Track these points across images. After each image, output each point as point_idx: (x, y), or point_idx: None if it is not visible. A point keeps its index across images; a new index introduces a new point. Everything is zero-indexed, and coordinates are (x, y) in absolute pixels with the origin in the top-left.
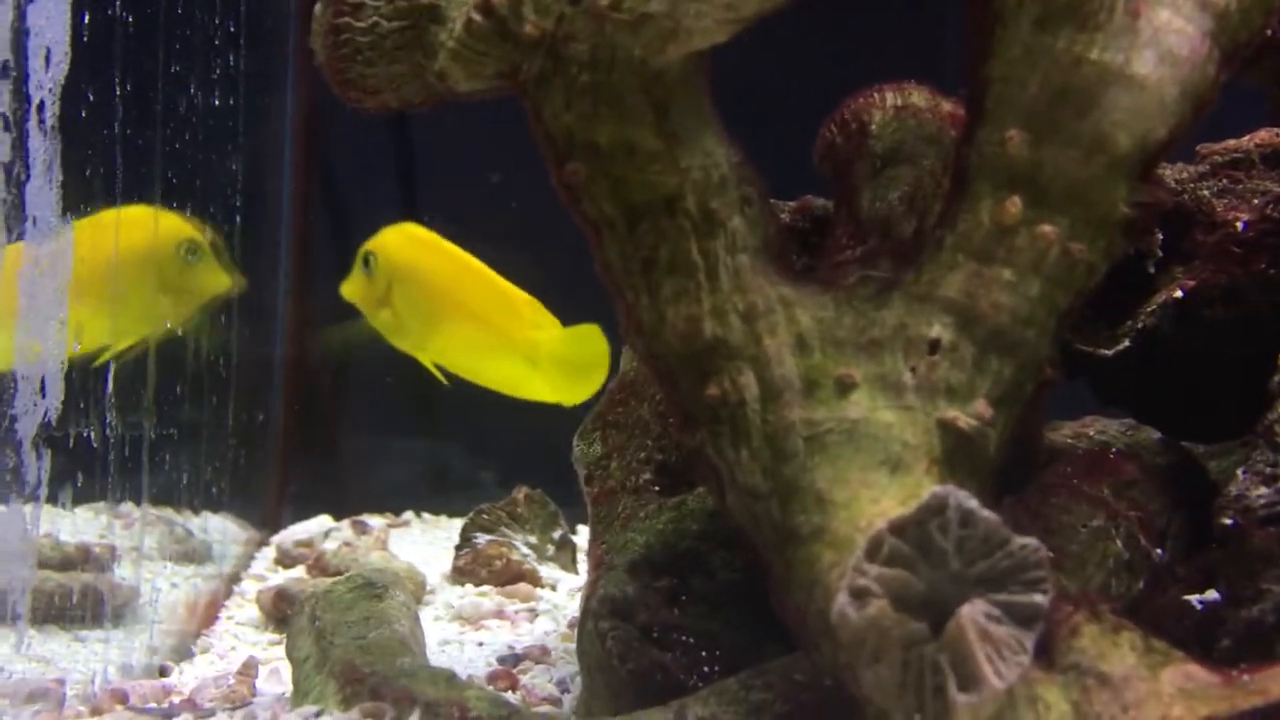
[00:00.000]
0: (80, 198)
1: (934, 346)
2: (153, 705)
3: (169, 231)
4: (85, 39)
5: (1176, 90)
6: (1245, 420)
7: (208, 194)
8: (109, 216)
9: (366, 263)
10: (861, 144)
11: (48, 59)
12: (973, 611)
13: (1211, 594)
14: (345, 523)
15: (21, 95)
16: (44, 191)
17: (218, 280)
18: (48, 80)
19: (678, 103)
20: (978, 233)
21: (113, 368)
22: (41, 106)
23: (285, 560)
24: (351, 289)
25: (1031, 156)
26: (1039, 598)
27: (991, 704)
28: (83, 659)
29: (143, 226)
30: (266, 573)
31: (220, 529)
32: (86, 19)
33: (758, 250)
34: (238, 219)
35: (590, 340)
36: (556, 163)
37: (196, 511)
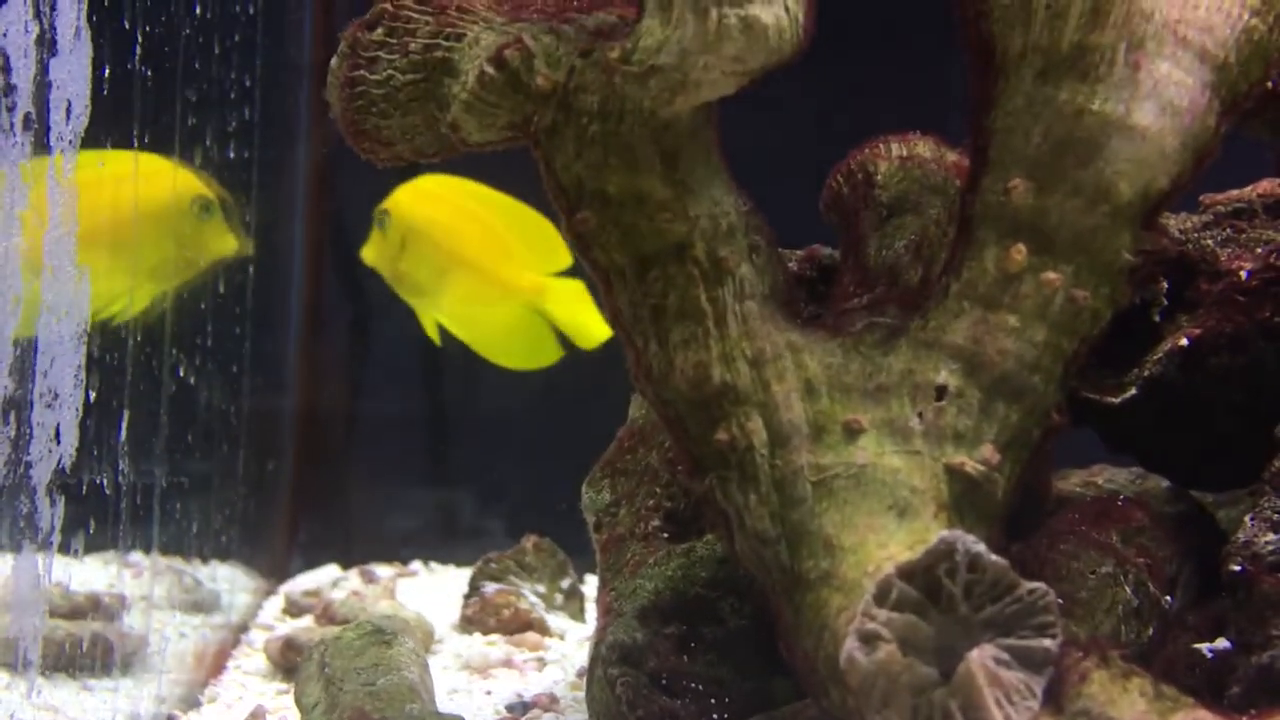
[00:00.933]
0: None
1: (941, 392)
2: None
3: (184, 186)
4: (105, 91)
5: (1177, 141)
6: (1253, 468)
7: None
8: (126, 165)
9: (381, 222)
10: (868, 194)
11: (69, 111)
12: (981, 656)
13: (1222, 642)
14: (353, 572)
15: (43, 146)
16: (64, 241)
17: (225, 242)
18: (68, 132)
19: (686, 152)
20: (983, 280)
21: (126, 415)
22: (63, 158)
23: (293, 609)
24: (370, 251)
25: (1035, 205)
26: (1048, 642)
27: None
28: (91, 708)
29: (160, 179)
30: (274, 622)
31: (229, 578)
32: (106, 72)
33: (766, 297)
34: (250, 269)
35: (583, 299)
36: (567, 212)
37: (205, 560)
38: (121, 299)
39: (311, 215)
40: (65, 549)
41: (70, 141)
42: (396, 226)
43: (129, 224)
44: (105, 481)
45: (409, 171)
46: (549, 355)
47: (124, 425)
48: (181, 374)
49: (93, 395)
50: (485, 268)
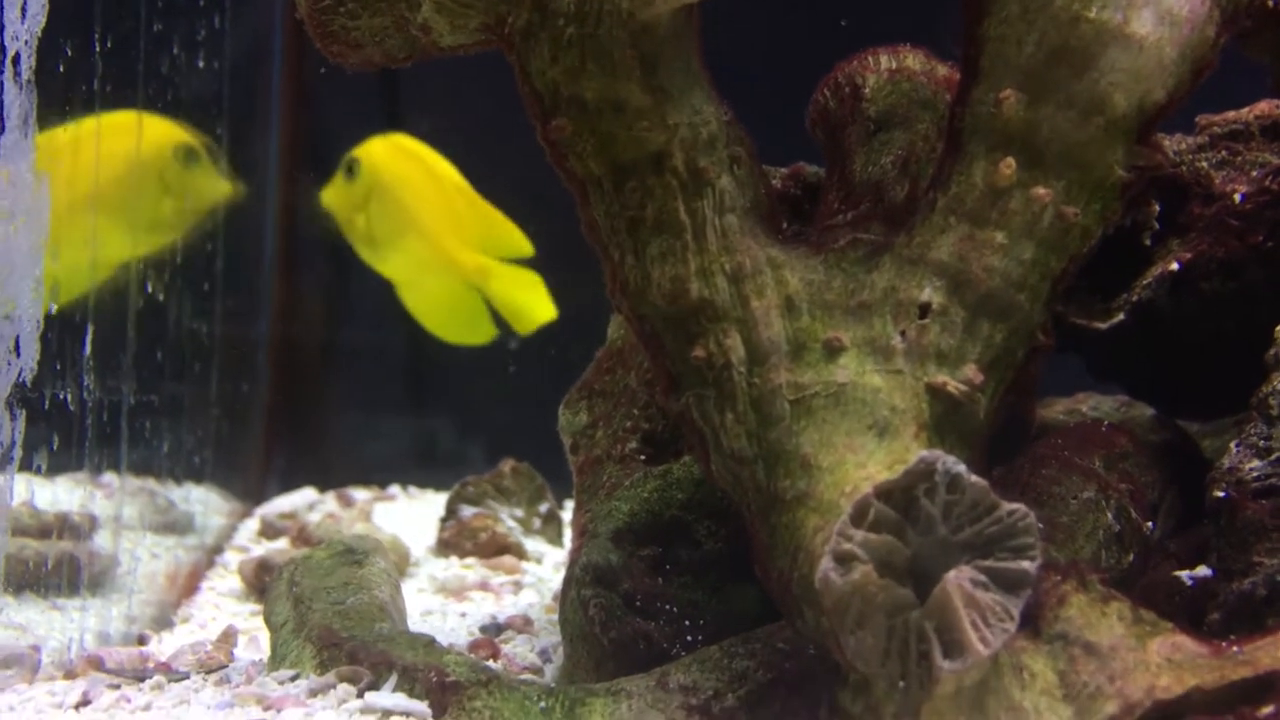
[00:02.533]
0: None
1: (924, 310)
2: (128, 670)
3: (163, 136)
4: None
5: (1175, 51)
6: (1241, 396)
7: None
8: (90, 123)
9: (350, 169)
10: (855, 107)
11: (24, 9)
12: (959, 578)
13: (1203, 570)
14: (330, 495)
15: None
16: (20, 145)
17: (216, 186)
18: (24, 31)
19: (666, 58)
20: (971, 195)
21: (90, 329)
22: (17, 59)
23: (269, 532)
24: (331, 195)
25: (1027, 117)
26: (1026, 564)
27: (977, 671)
28: (60, 626)
29: (130, 131)
30: (250, 544)
31: (203, 500)
32: None
33: (746, 211)
34: None
35: (530, 286)
36: (542, 119)
37: (179, 482)
38: (125, 252)
39: (286, 130)
40: (28, 465)
41: (26, 41)
42: (364, 177)
43: (109, 182)
44: (69, 397)
45: (389, 124)
46: (482, 334)
47: (88, 340)
48: (150, 290)
49: (54, 308)
50: (439, 237)
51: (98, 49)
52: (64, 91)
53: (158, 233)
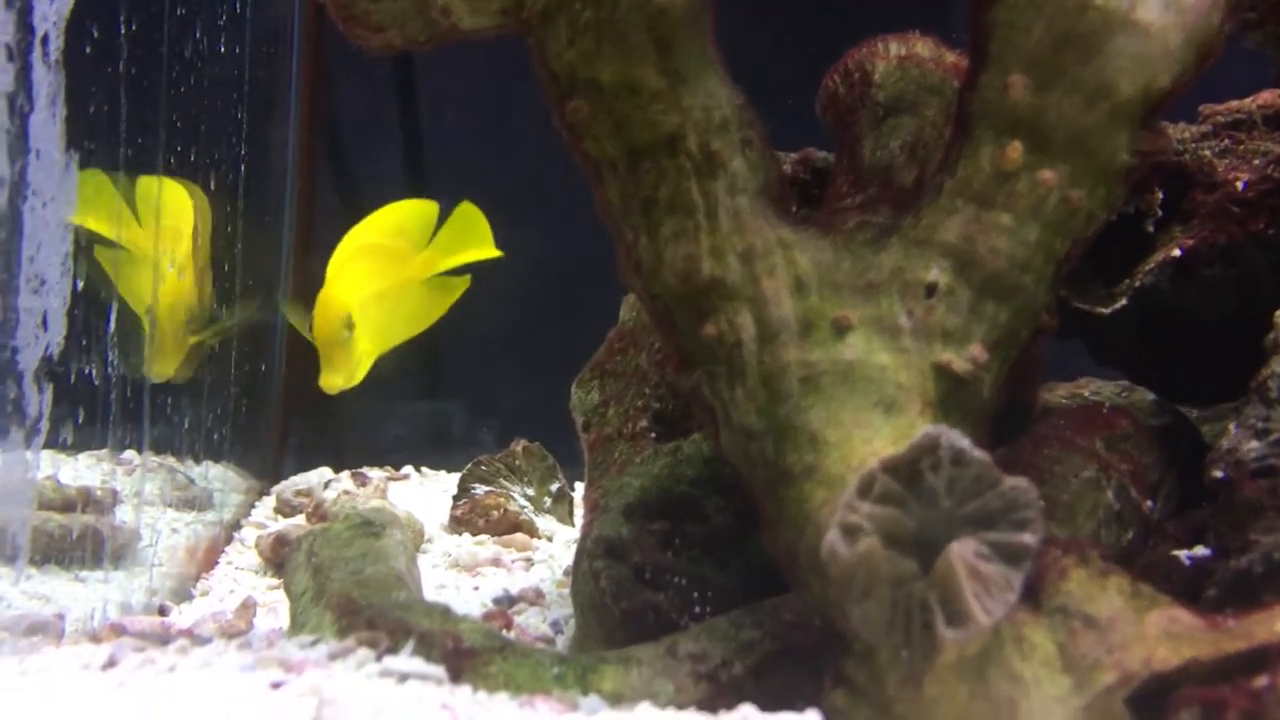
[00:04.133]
0: (84, 134)
1: (931, 290)
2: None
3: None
4: None
5: (1180, 38)
6: (1241, 381)
7: (212, 140)
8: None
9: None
10: (864, 93)
11: None
12: (962, 550)
13: (1201, 550)
14: (345, 474)
15: (26, 26)
16: (48, 125)
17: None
18: (52, 13)
19: (681, 41)
20: (978, 178)
21: (115, 307)
22: (46, 39)
23: (285, 509)
24: (331, 379)
25: (1034, 102)
26: (1028, 537)
27: (978, 641)
28: (83, 597)
29: None
30: (267, 520)
31: (221, 477)
32: None
33: (758, 193)
34: (242, 168)
35: (467, 219)
36: (559, 101)
37: (198, 460)
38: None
39: (305, 115)
40: (54, 440)
41: (54, 23)
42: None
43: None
44: (94, 373)
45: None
46: (456, 288)
47: (113, 317)
48: (171, 268)
49: (79, 284)
50: (393, 291)
51: (123, 31)
52: (90, 73)
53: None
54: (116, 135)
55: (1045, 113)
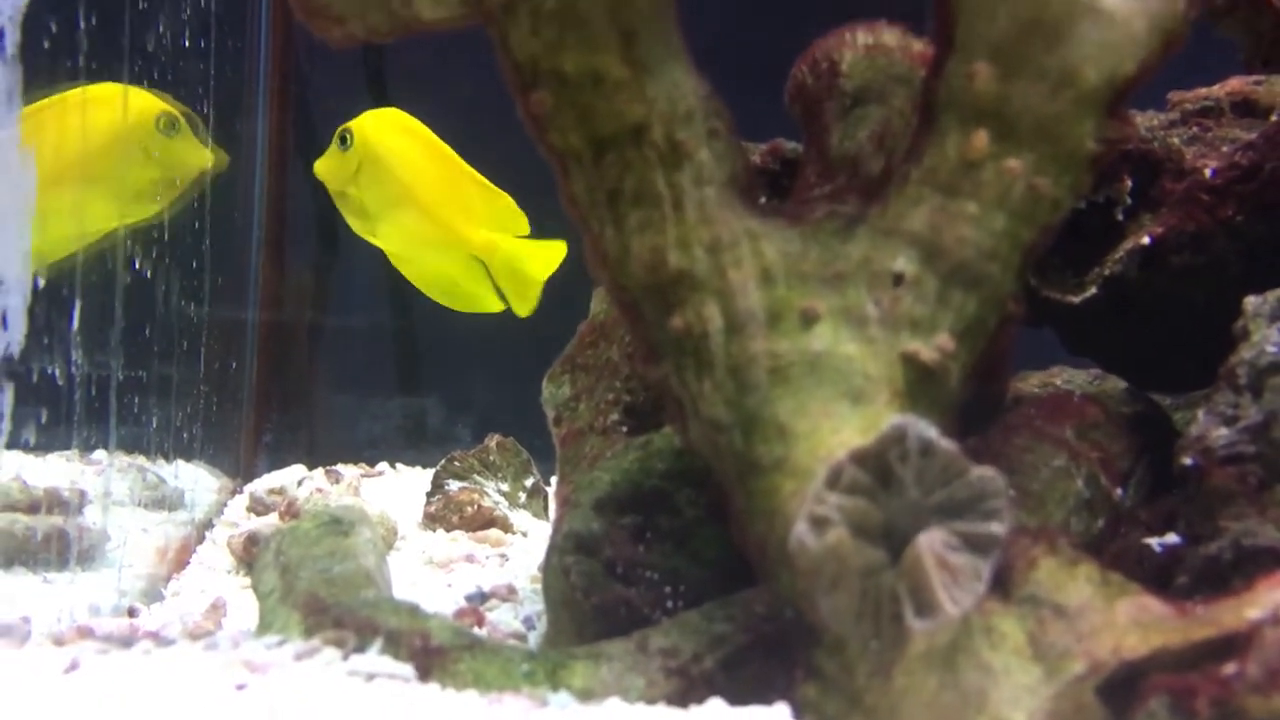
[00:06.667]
0: None
1: (898, 280)
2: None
3: (146, 106)
4: None
5: (1145, 24)
6: (1212, 369)
7: None
8: (75, 95)
9: (343, 140)
10: (832, 83)
11: None
12: (930, 540)
13: (1172, 537)
14: (319, 471)
15: None
16: (4, 118)
17: (200, 155)
18: (8, 6)
19: (645, 31)
20: (944, 167)
21: (78, 304)
22: (1, 34)
23: (257, 507)
24: (324, 165)
25: (999, 90)
26: (995, 527)
27: (948, 631)
28: (50, 600)
29: (114, 103)
30: (239, 519)
31: (192, 476)
32: None
33: (725, 183)
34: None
35: (551, 254)
36: (522, 92)
37: (169, 459)
38: (109, 221)
39: (274, 111)
40: (17, 440)
41: (10, 17)
42: (357, 149)
43: (95, 153)
44: (58, 371)
45: (379, 100)
46: (488, 304)
47: (75, 314)
48: (138, 266)
49: (41, 282)
50: (434, 209)
51: (82, 25)
52: (49, 69)
53: (141, 203)
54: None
55: (1010, 101)
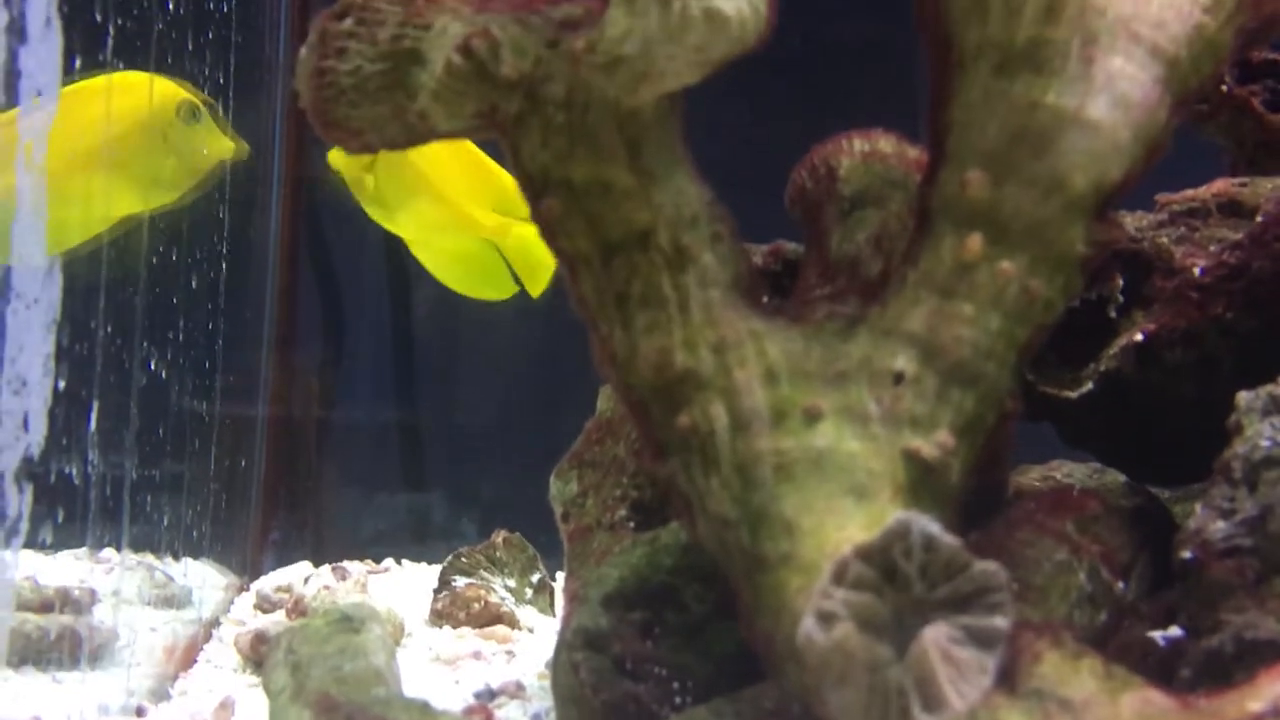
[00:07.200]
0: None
1: (898, 378)
2: None
3: (167, 93)
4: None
5: (1129, 134)
6: (1208, 462)
7: (194, 236)
8: (99, 82)
9: None
10: (831, 188)
11: None
12: (935, 634)
13: (1175, 630)
14: (325, 568)
15: None
16: (32, 230)
17: (220, 144)
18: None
19: (651, 141)
20: (940, 269)
21: (95, 405)
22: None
23: (264, 605)
24: (339, 155)
25: (991, 196)
26: (999, 620)
27: None
28: (60, 700)
29: (138, 90)
30: (246, 617)
31: (200, 574)
32: None
33: (729, 285)
34: (223, 265)
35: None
36: (534, 199)
37: (177, 557)
38: (128, 208)
39: (286, 211)
40: (34, 540)
41: (37, 131)
42: None
43: (117, 138)
44: (74, 472)
45: None
46: (504, 289)
47: (93, 416)
48: (153, 367)
49: (61, 384)
50: (450, 195)
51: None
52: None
53: (161, 190)
54: (97, 238)
55: (1002, 206)
